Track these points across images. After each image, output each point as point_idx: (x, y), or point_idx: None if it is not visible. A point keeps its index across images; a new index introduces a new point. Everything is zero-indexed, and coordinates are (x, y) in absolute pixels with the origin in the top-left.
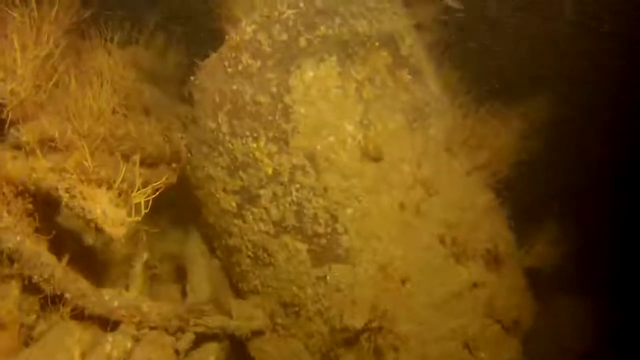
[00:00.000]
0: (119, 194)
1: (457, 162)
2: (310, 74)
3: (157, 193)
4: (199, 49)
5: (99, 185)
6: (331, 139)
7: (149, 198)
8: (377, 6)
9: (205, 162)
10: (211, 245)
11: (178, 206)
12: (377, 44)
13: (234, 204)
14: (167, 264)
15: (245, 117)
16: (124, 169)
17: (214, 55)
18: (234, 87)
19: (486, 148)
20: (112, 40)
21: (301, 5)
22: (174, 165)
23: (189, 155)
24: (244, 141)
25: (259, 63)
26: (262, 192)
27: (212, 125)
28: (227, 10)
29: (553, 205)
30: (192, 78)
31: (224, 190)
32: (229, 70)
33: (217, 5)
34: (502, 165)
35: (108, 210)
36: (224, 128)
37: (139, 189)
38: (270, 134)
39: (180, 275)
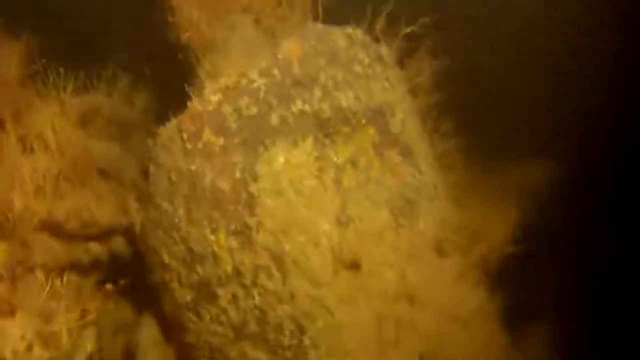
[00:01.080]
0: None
1: (449, 262)
2: (281, 159)
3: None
4: (171, 91)
5: (12, 313)
6: (302, 238)
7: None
8: (366, 72)
9: (159, 246)
10: (166, 334)
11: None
12: (363, 120)
13: (189, 298)
14: (120, 338)
15: (203, 204)
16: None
17: (172, 124)
18: (193, 167)
19: (482, 241)
20: (65, 89)
21: (275, 72)
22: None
23: (143, 234)
24: (201, 231)
25: (222, 141)
26: (220, 291)
27: (168, 207)
28: (201, 60)
29: (548, 299)
30: (149, 142)
31: (179, 281)
32: (188, 145)
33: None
34: (497, 257)
35: (19, 350)
36: (180, 213)
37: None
38: (232, 227)
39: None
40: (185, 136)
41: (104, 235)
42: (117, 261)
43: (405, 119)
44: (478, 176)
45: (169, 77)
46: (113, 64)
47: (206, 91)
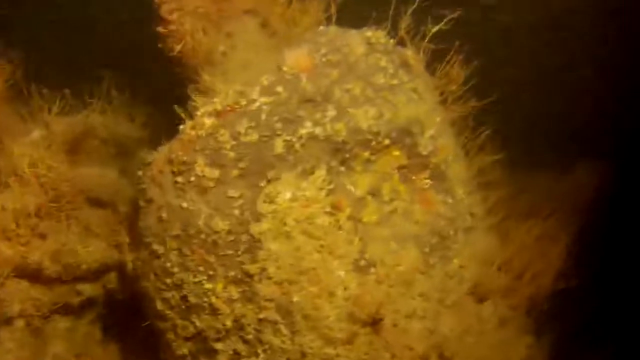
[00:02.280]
0: None
1: (488, 307)
2: (287, 194)
3: None
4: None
5: None
6: (313, 288)
7: None
8: (390, 83)
9: (152, 291)
10: None
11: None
12: (387, 142)
13: (186, 351)
14: None
15: (198, 248)
16: None
17: (162, 152)
18: (184, 204)
19: (528, 278)
20: (51, 111)
21: (280, 90)
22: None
23: (135, 275)
24: (196, 279)
25: (217, 173)
26: (220, 346)
27: (159, 249)
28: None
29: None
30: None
31: (175, 332)
32: (179, 179)
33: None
34: (546, 296)
35: None
36: (173, 257)
37: None
38: (231, 274)
39: None
40: (175, 168)
41: (95, 273)
42: (114, 299)
43: (437, 135)
44: (521, 194)
45: (167, 92)
46: (107, 80)
47: (199, 113)
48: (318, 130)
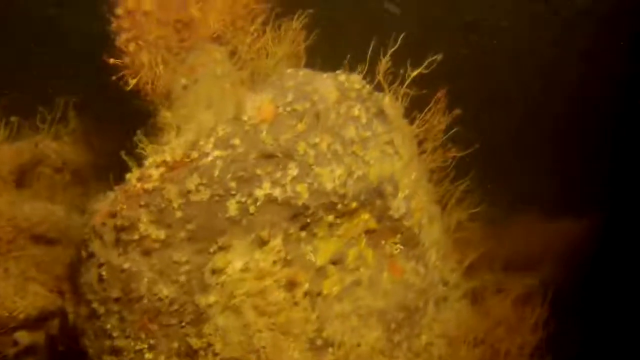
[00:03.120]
0: None
1: None
2: (239, 264)
3: None
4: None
5: None
6: None
7: None
8: (362, 136)
9: (92, 353)
10: None
11: None
12: (354, 204)
13: None
14: None
15: (140, 314)
16: None
17: (108, 200)
18: (126, 265)
19: (503, 352)
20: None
21: (236, 143)
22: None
23: (75, 328)
24: (137, 347)
25: (163, 234)
26: None
27: (100, 310)
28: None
29: None
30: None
31: None
32: (122, 235)
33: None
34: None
35: None
36: (113, 321)
37: None
38: (175, 346)
39: None
40: (118, 222)
41: (36, 321)
42: (56, 347)
43: (412, 195)
44: (500, 248)
45: (133, 115)
46: (64, 105)
47: (147, 163)
48: (277, 192)
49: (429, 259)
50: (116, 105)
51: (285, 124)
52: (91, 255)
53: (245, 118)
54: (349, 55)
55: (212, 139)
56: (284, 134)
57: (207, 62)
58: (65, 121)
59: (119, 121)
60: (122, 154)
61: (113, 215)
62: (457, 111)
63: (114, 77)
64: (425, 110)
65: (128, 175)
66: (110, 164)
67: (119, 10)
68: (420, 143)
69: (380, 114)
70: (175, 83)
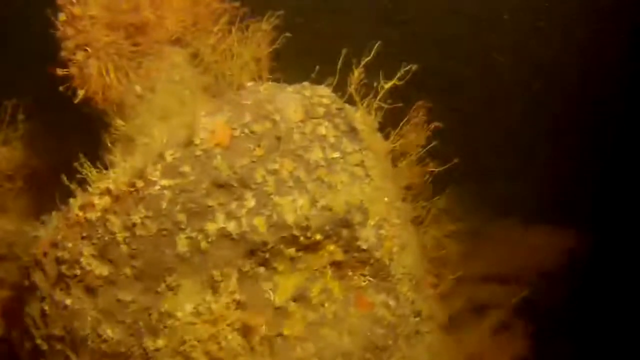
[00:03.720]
0: None
1: None
2: (188, 307)
3: None
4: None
5: None
6: None
7: None
8: (329, 157)
9: None
10: None
11: None
12: (318, 237)
13: None
14: None
15: (83, 355)
16: None
17: (51, 226)
18: (69, 301)
19: None
20: None
21: (186, 170)
22: None
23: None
24: None
25: (106, 270)
26: None
27: (43, 346)
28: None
29: None
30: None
31: None
32: (64, 269)
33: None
34: None
35: None
36: None
37: None
38: None
39: None
40: (60, 254)
41: None
42: None
43: (383, 221)
44: (480, 264)
45: (87, 122)
46: (12, 108)
47: (91, 189)
48: (231, 227)
49: (401, 290)
50: (70, 107)
51: (242, 149)
52: (34, 286)
53: (196, 142)
54: (317, 67)
55: (159, 166)
56: (240, 160)
57: (164, 68)
58: (14, 125)
59: (74, 124)
60: (63, 177)
61: (54, 245)
62: (437, 124)
63: (61, 88)
64: (401, 124)
65: (71, 201)
66: (65, 170)
67: (63, 16)
68: (395, 159)
69: (351, 131)
70: (128, 91)
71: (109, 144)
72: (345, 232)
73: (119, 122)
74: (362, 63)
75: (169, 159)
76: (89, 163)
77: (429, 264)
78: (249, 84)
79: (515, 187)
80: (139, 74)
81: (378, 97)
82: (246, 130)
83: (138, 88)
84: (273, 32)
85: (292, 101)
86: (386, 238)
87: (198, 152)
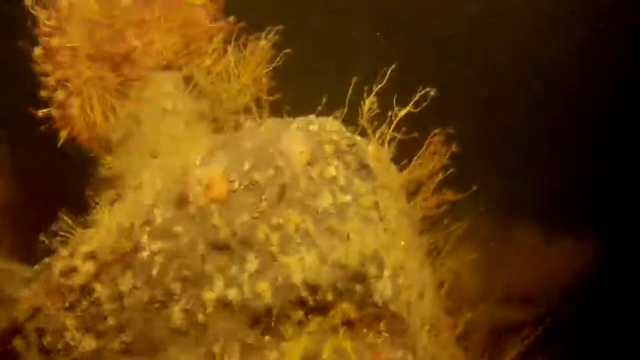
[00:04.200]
0: None
1: None
2: None
3: None
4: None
5: None
6: None
7: None
8: (340, 202)
9: None
10: None
11: None
12: (330, 296)
13: None
14: None
15: None
16: None
17: (32, 285)
18: None
19: None
20: None
21: (179, 231)
22: None
23: None
24: None
25: (94, 344)
26: None
27: None
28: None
29: None
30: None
31: None
32: (47, 341)
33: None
34: None
35: None
36: None
37: None
38: None
39: None
40: (42, 324)
41: None
42: None
43: (400, 268)
44: (496, 283)
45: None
46: None
47: (74, 252)
48: (232, 294)
49: (419, 344)
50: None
51: (242, 203)
52: (15, 353)
53: (190, 198)
54: (325, 98)
55: (148, 228)
56: (240, 217)
57: (155, 97)
58: None
59: (56, 155)
60: (42, 236)
61: (36, 310)
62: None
63: (42, 128)
64: (418, 154)
65: (52, 261)
66: (48, 204)
67: (39, 50)
68: (411, 189)
69: (363, 168)
70: (116, 127)
71: (95, 185)
72: (359, 288)
73: (106, 158)
74: (375, 90)
75: (159, 219)
76: (69, 219)
77: (446, 300)
78: (248, 123)
79: (534, 190)
80: (126, 107)
81: (392, 126)
82: (246, 181)
83: (126, 122)
84: (272, 49)
85: (297, 141)
86: (403, 287)
87: (192, 210)
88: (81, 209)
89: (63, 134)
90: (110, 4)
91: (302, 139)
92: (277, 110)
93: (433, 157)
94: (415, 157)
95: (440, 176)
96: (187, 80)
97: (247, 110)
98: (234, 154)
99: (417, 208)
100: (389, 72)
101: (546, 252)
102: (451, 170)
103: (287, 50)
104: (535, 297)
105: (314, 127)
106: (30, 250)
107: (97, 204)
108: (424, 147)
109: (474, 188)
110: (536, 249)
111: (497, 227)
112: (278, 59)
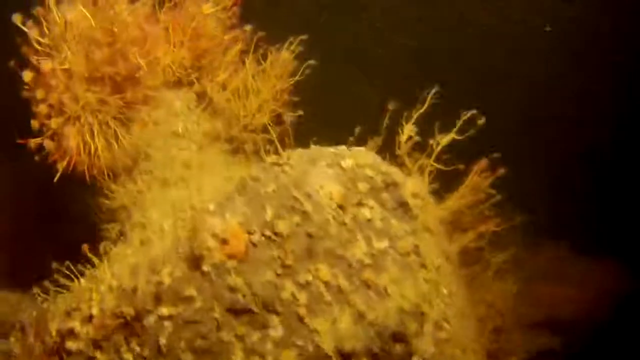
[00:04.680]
0: None
1: None
2: None
3: None
4: None
5: None
6: None
7: None
8: (376, 249)
9: None
10: None
11: None
12: None
13: None
14: None
15: None
16: None
17: (25, 341)
18: None
19: None
20: None
21: (192, 294)
22: None
23: None
24: None
25: None
26: None
27: None
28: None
29: None
30: None
31: None
32: None
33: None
34: None
35: None
36: None
37: None
38: None
39: None
40: None
41: None
42: None
43: (443, 321)
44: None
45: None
46: None
47: (67, 309)
48: None
49: None
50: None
51: (263, 259)
52: None
53: (204, 252)
54: (358, 128)
55: (155, 288)
56: (262, 275)
57: (163, 119)
58: None
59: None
60: (35, 289)
61: None
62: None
63: (36, 159)
64: (461, 187)
65: (36, 314)
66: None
67: (28, 75)
68: (451, 224)
69: (401, 207)
70: (121, 155)
71: (99, 216)
72: (398, 348)
73: (111, 188)
74: (414, 116)
75: (167, 279)
76: (66, 268)
77: (486, 341)
78: (269, 159)
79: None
80: (132, 132)
81: (433, 156)
82: (268, 232)
83: (132, 149)
84: (295, 61)
85: (327, 181)
86: (446, 343)
87: (206, 269)
88: (83, 243)
89: (60, 167)
90: (109, 20)
91: (332, 177)
92: (299, 130)
93: (476, 186)
94: (458, 190)
95: (484, 207)
96: (201, 97)
97: (265, 129)
98: (252, 200)
99: (457, 242)
100: (430, 96)
101: (581, 280)
102: (496, 198)
103: (311, 62)
104: (567, 324)
105: (346, 163)
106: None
107: (99, 241)
108: (468, 178)
109: (519, 219)
110: (571, 276)
111: (532, 253)
112: (301, 71)
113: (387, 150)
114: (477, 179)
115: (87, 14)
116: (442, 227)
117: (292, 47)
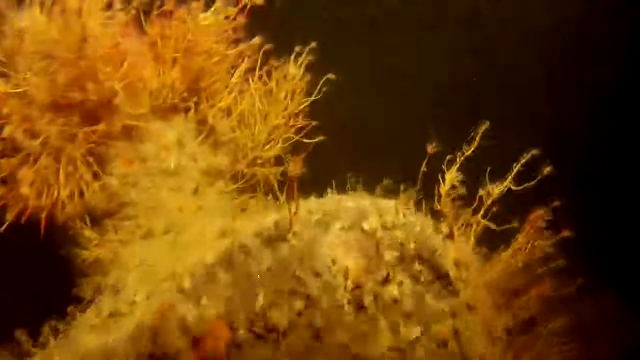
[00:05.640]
0: None
1: None
2: None
3: None
4: None
5: None
6: None
7: None
8: (403, 342)
9: None
10: None
11: None
12: None
13: None
14: None
15: None
16: None
17: None
18: None
19: None
20: None
21: None
22: None
23: None
24: None
25: None
26: None
27: None
28: None
29: None
30: None
31: None
32: None
33: None
34: None
35: None
36: None
37: None
38: None
39: None
40: None
41: None
42: None
43: None
44: None
45: None
46: None
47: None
48: None
49: None
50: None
51: None
52: None
53: (170, 353)
54: (385, 180)
55: None
56: None
57: (152, 154)
58: None
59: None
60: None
61: None
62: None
63: None
64: (513, 244)
65: None
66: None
67: None
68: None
69: (439, 279)
70: (97, 199)
71: (74, 270)
72: None
73: (85, 235)
74: (459, 160)
75: None
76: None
77: None
78: (269, 219)
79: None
80: (114, 171)
81: (481, 212)
82: (258, 327)
83: (112, 192)
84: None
85: (342, 251)
86: None
87: None
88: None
89: (9, 216)
90: (76, 31)
91: (350, 247)
92: (317, 161)
93: (532, 242)
94: (510, 248)
95: (542, 270)
96: (200, 124)
97: (279, 160)
98: (240, 282)
99: (506, 314)
100: (479, 134)
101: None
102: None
103: (330, 76)
104: None
105: (369, 224)
106: None
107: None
108: (522, 233)
109: (580, 281)
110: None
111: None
112: (317, 90)
113: (424, 204)
114: (533, 233)
115: (46, 22)
116: (488, 296)
117: (299, 60)
